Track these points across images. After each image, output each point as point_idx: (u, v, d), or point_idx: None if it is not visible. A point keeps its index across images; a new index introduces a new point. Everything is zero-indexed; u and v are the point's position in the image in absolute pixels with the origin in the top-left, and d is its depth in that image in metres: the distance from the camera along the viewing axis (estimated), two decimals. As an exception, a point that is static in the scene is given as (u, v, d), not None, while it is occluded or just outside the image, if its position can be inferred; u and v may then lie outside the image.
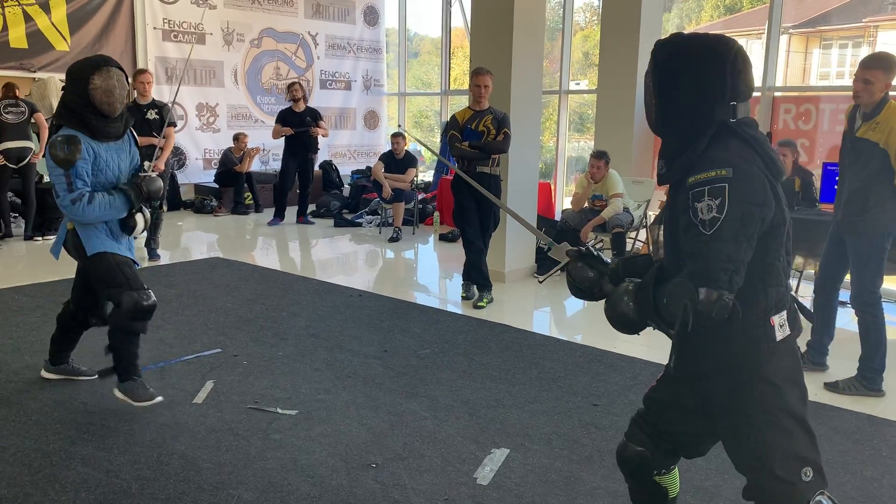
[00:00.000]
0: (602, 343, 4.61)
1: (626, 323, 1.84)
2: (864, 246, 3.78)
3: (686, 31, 1.90)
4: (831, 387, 3.90)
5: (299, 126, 8.46)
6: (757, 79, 6.81)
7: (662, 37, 1.92)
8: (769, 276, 1.78)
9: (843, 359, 4.12)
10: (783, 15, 6.99)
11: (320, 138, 8.82)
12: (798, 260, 5.52)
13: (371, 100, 11.81)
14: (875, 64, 3.63)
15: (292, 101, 8.56)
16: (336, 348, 4.39)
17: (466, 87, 5.53)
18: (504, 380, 3.94)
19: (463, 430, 3.31)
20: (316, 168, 10.58)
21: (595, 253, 2.05)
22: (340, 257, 7.57)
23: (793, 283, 6.04)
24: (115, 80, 3.13)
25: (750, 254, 1.69)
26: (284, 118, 8.52)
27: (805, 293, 5.97)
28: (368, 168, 10.30)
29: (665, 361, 3.98)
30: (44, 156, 3.22)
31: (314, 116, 8.60)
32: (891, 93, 3.72)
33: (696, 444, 2.04)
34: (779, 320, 1.79)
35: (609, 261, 2.05)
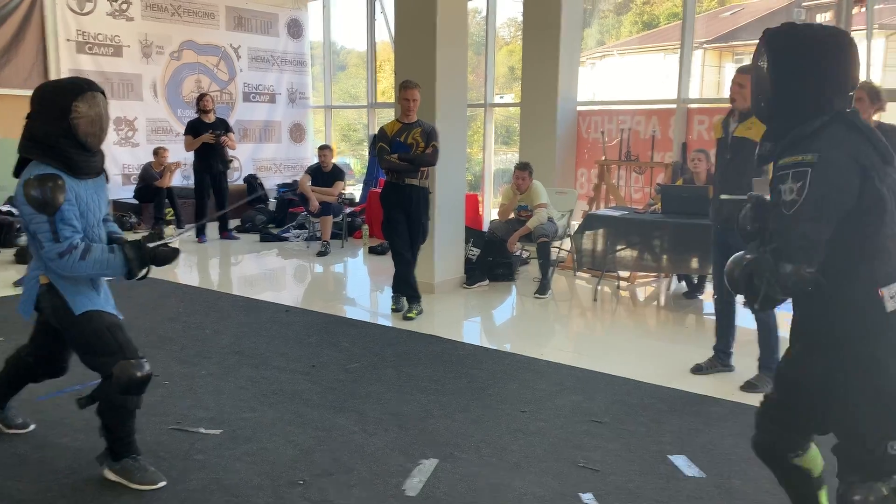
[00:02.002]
0: (530, 350, 4.67)
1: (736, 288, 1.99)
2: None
3: (796, 22, 1.96)
4: (749, 387, 4.04)
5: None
6: (673, 91, 7.08)
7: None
8: (868, 250, 1.84)
9: (746, 356, 4.29)
10: (696, 31, 7.28)
11: (232, 153, 8.78)
12: (714, 265, 5.72)
13: (296, 112, 11.69)
14: (748, 70, 3.92)
15: (202, 112, 8.48)
16: (262, 365, 4.31)
17: (393, 99, 5.56)
18: (433, 390, 3.95)
19: (392, 443, 3.29)
20: (240, 182, 10.43)
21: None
22: (267, 273, 7.45)
23: (709, 287, 6.26)
24: (102, 107, 2.72)
25: (828, 232, 1.79)
26: (196, 129, 8.38)
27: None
28: (295, 181, 10.17)
29: (591, 367, 4.04)
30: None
31: (225, 128, 8.52)
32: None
33: (822, 418, 2.04)
34: (889, 292, 1.84)
35: None
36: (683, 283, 6.40)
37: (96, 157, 2.80)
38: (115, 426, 2.83)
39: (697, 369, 4.32)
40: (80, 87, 2.71)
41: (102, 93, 2.76)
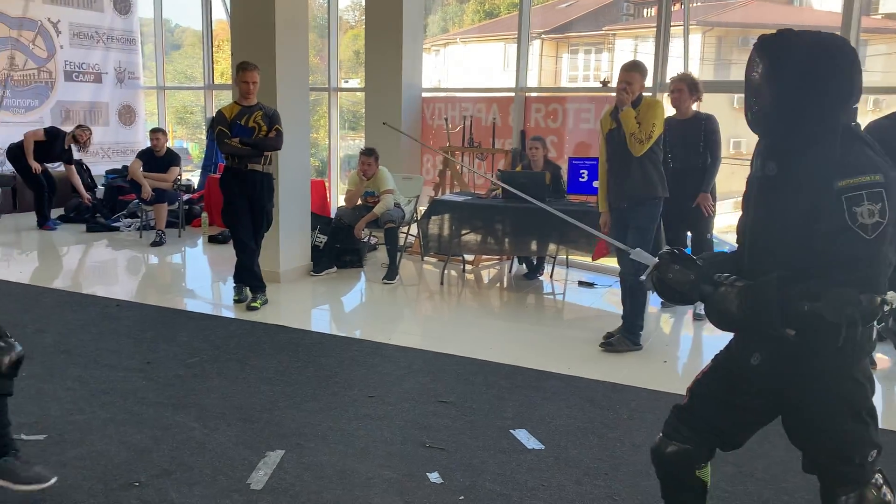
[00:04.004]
0: (379, 336, 4.68)
1: (731, 322, 1.84)
2: (645, 218, 4.39)
3: (794, 29, 1.79)
4: (608, 347, 4.50)
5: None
6: (511, 80, 7.31)
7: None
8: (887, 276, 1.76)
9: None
10: (533, 22, 7.54)
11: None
12: (551, 247, 6.01)
13: (126, 93, 10.94)
14: (633, 68, 4.35)
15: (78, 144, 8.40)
16: (91, 364, 4.02)
17: (232, 81, 5.33)
18: (279, 381, 3.86)
19: (235, 437, 3.19)
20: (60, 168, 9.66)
21: (686, 254, 1.97)
22: (95, 265, 6.95)
23: (548, 267, 6.57)
24: None
25: None
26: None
27: (558, 276, 6.53)
28: (125, 167, 9.54)
29: (438, 349, 4.08)
30: None
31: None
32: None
33: (744, 438, 2.04)
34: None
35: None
36: (524, 265, 6.66)
37: None
38: None
39: (608, 337, 4.63)
40: None
41: None
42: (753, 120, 1.84)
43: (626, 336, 4.53)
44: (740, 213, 2.02)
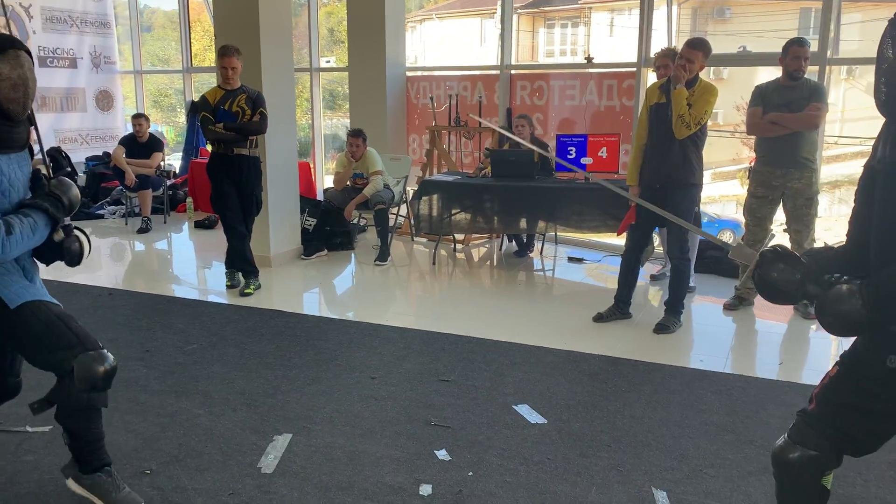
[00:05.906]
0: (375, 317, 4.71)
1: (850, 325, 1.70)
2: (687, 203, 4.36)
3: None
4: (661, 329, 4.49)
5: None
6: (495, 57, 7.30)
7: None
8: None
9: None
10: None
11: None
12: (541, 224, 6.05)
13: (103, 78, 10.75)
14: (698, 46, 4.23)
15: None
16: (90, 353, 4.02)
17: (209, 63, 5.28)
18: (280, 365, 3.89)
19: (242, 422, 3.22)
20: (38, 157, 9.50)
21: (790, 251, 1.85)
22: (83, 254, 6.88)
23: (537, 244, 6.63)
24: (27, 67, 2.27)
25: None
26: None
27: (547, 253, 6.59)
28: (106, 154, 9.43)
29: (435, 328, 4.11)
30: None
31: None
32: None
33: (879, 444, 1.90)
34: None
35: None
36: (514, 243, 6.71)
37: (20, 128, 2.37)
38: (80, 430, 2.51)
39: (599, 317, 4.68)
40: (0, 45, 2.24)
41: (27, 52, 2.32)
42: (886, 102, 1.69)
43: (672, 315, 4.53)
44: (852, 204, 1.89)
